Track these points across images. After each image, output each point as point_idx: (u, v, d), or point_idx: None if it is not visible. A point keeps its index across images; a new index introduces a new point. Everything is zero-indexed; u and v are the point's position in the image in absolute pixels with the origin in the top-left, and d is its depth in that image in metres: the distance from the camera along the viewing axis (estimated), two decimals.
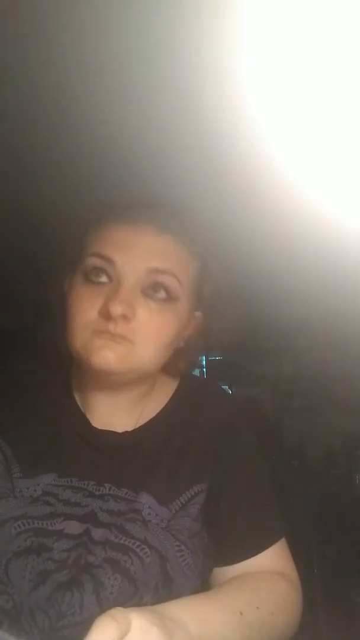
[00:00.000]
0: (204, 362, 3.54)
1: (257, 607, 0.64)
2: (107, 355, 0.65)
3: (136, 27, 0.72)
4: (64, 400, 0.78)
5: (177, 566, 0.67)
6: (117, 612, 0.48)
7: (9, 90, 0.86)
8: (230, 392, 3.38)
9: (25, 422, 0.76)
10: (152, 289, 0.69)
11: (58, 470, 0.72)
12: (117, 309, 0.65)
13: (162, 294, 0.69)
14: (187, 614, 0.56)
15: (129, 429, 0.75)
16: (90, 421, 0.75)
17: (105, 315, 0.66)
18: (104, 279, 0.69)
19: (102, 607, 0.63)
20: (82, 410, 0.76)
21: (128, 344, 0.66)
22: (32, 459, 0.73)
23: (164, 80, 0.80)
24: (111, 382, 0.71)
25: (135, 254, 0.69)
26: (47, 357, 0.78)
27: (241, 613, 0.61)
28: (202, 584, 0.71)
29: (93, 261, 0.70)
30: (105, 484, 0.71)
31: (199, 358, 0.84)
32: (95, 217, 0.74)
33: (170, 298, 0.70)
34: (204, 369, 3.53)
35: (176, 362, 0.78)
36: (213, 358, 3.54)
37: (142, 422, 0.75)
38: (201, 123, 0.87)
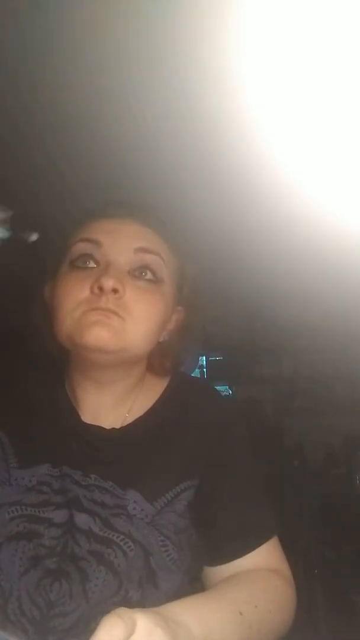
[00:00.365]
0: (204, 362, 3.54)
1: (256, 606, 0.64)
2: (100, 332, 0.65)
3: (134, 28, 0.72)
4: (57, 395, 0.78)
5: (161, 561, 0.68)
6: (123, 612, 0.48)
7: (7, 89, 0.86)
8: (230, 392, 3.38)
9: (22, 415, 0.77)
10: (139, 270, 0.70)
11: (51, 461, 0.73)
12: (109, 282, 0.65)
13: (148, 276, 0.71)
14: (189, 616, 0.56)
15: (117, 425, 0.75)
16: (80, 415, 0.75)
17: (97, 290, 0.66)
18: (91, 264, 0.70)
19: (88, 599, 0.64)
20: (73, 405, 0.77)
21: (120, 320, 0.67)
22: (28, 450, 0.74)
23: (162, 81, 0.80)
24: (100, 365, 0.72)
25: (122, 237, 0.71)
26: (42, 354, 0.79)
27: (241, 613, 0.62)
28: (191, 581, 0.71)
29: (80, 247, 0.70)
30: (92, 475, 0.72)
31: (184, 356, 0.85)
32: (81, 215, 0.75)
33: (157, 280, 0.71)
34: (204, 369, 3.53)
35: (162, 359, 0.78)
36: (213, 358, 3.54)
37: (130, 419, 0.76)
38: (199, 124, 0.87)
